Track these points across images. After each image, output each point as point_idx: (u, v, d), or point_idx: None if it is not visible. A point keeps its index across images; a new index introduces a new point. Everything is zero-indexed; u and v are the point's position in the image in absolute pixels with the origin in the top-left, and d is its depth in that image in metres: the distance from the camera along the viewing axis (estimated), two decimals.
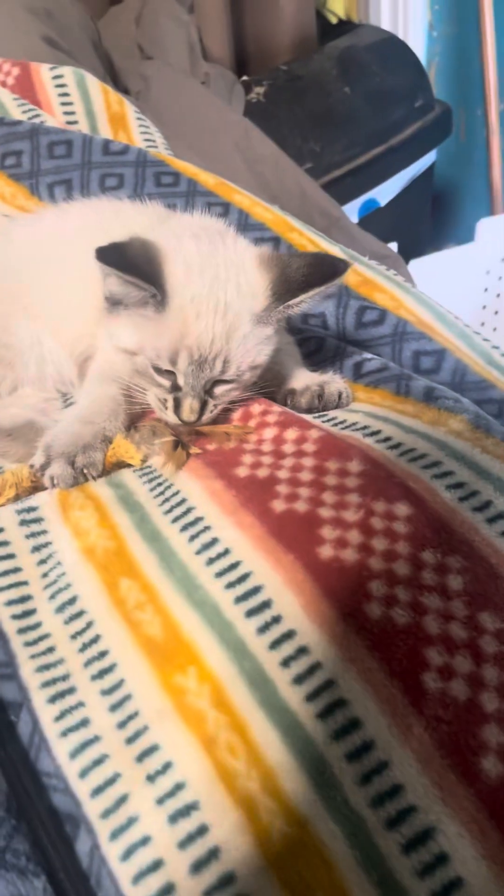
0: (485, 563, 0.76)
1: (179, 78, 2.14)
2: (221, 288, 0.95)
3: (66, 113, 1.59)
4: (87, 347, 1.12)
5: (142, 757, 0.67)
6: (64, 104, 1.60)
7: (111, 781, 0.66)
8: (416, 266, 2.41)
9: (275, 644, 0.71)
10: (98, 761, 0.68)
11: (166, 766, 0.66)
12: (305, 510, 0.82)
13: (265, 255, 1.02)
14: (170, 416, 0.98)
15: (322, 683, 0.67)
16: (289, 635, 0.71)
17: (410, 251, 2.55)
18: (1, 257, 1.17)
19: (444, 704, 0.66)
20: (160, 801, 0.64)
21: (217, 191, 1.40)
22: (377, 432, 0.95)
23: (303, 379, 1.09)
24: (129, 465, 0.96)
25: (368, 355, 1.15)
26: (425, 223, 3.10)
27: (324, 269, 0.98)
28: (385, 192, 2.60)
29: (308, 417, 0.99)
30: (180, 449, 0.93)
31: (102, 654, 0.75)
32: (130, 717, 0.69)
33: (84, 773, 0.67)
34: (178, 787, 0.64)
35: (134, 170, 1.41)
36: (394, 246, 2.36)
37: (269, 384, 1.09)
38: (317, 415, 1.04)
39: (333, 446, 0.89)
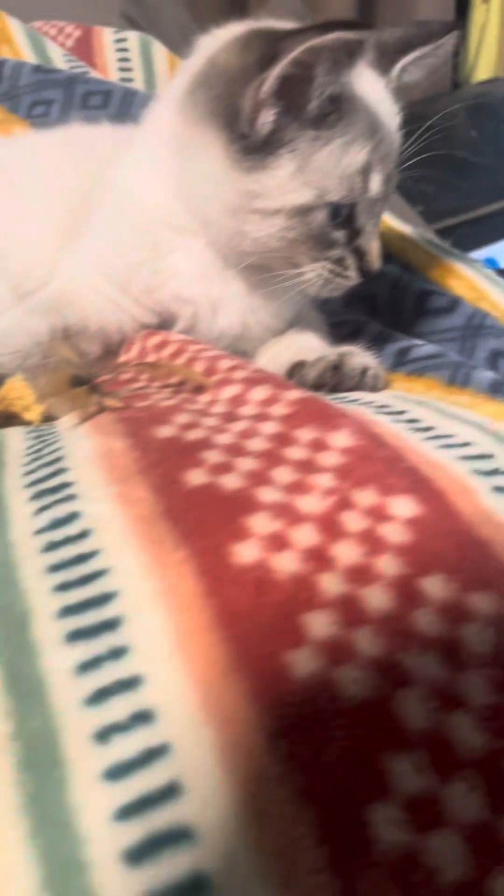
0: None
1: None
2: None
3: (124, 80, 1.38)
4: (38, 286, 0.83)
5: None
6: (123, 70, 1.39)
7: None
8: None
9: (100, 696, 0.36)
10: None
11: None
12: (236, 488, 0.48)
13: None
14: (353, 278, 0.74)
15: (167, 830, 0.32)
16: (131, 684, 0.37)
17: None
18: None
19: None
20: None
21: None
22: (400, 412, 0.60)
23: (319, 351, 0.76)
24: (27, 423, 0.65)
25: (419, 341, 0.81)
26: None
27: (429, 28, 0.77)
28: None
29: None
30: (96, 396, 0.62)
31: None
32: None
33: None
34: None
35: None
36: None
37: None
38: (325, 395, 0.70)
39: (316, 412, 0.55)
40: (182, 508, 0.46)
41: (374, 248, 0.72)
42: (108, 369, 0.68)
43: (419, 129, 2.20)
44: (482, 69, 3.10)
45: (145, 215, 0.77)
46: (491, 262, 2.31)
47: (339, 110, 0.66)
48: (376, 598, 0.40)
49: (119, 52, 1.40)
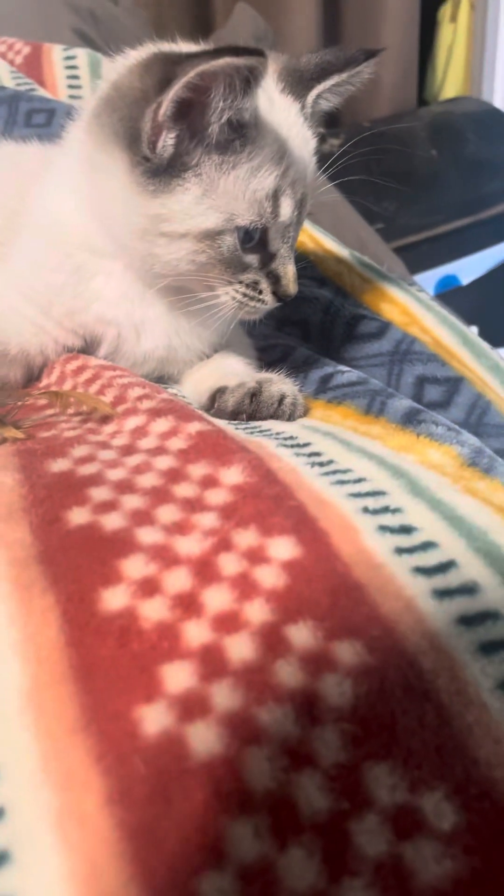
0: (407, 670, 0.38)
1: None
2: None
3: (73, 97, 1.37)
4: None
5: None
6: (72, 87, 1.38)
7: None
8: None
9: None
10: None
11: None
12: (117, 528, 0.46)
13: None
14: (269, 302, 0.73)
15: None
16: None
17: (493, 340, 2.20)
18: None
19: None
20: None
21: None
22: (304, 445, 0.59)
23: (242, 376, 0.75)
24: None
25: (344, 368, 0.80)
26: None
27: (346, 55, 0.76)
28: (468, 270, 2.28)
29: (212, 419, 0.65)
30: None
31: None
32: None
33: None
34: None
35: None
36: (474, 330, 2.03)
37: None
38: (240, 423, 0.69)
39: (213, 446, 0.54)
40: (58, 550, 0.45)
41: (288, 272, 0.71)
42: (15, 397, 0.67)
43: (382, 146, 2.20)
44: (449, 88, 3.13)
45: (66, 238, 0.76)
46: (452, 279, 2.32)
47: (245, 136, 0.65)
48: (239, 648, 0.39)
49: (68, 70, 1.39)
